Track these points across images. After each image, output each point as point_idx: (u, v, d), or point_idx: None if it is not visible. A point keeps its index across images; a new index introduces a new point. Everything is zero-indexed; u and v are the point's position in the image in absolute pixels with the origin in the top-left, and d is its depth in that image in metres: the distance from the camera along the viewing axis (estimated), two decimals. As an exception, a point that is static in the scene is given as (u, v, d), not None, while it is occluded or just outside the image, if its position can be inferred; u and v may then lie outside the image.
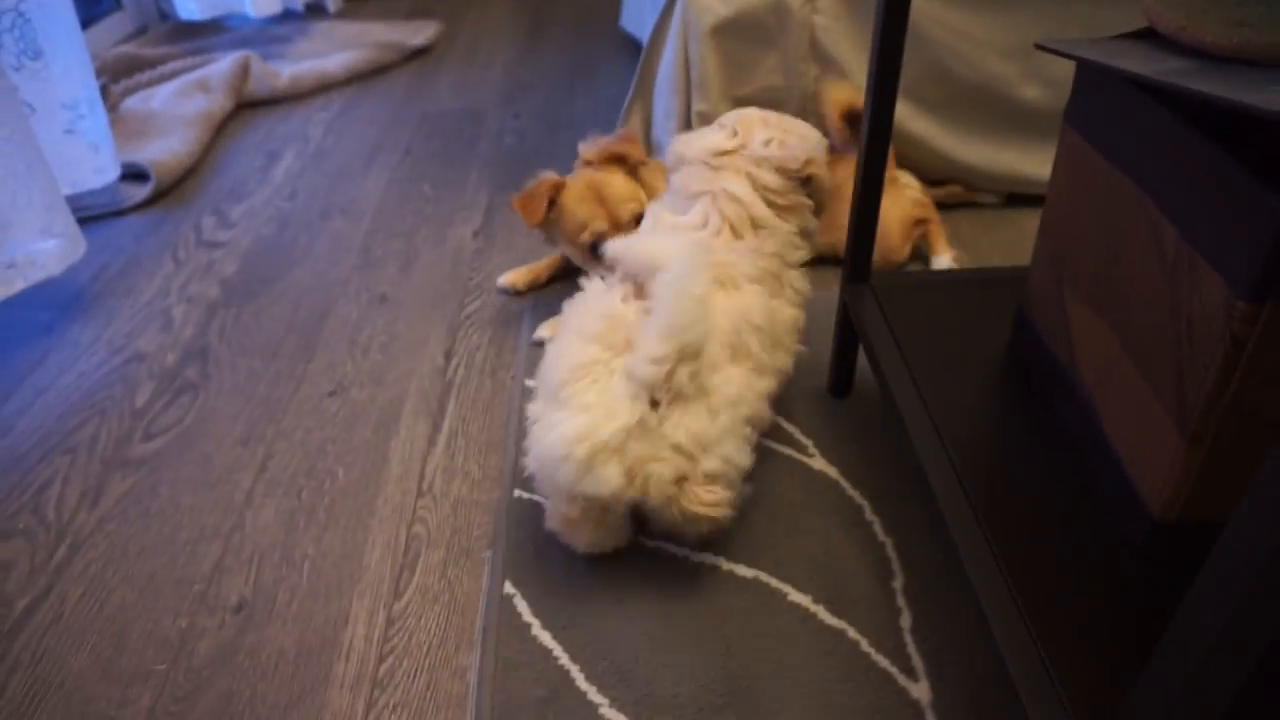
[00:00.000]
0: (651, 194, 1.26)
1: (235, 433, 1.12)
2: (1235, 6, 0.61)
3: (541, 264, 1.39)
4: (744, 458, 0.85)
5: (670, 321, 0.78)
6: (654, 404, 0.79)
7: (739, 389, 0.84)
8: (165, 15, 2.50)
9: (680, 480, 0.81)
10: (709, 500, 0.83)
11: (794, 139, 0.99)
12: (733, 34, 1.37)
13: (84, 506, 1.02)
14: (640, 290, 0.85)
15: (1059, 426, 0.81)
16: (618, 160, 1.26)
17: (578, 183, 1.24)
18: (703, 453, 0.81)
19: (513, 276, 1.37)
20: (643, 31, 1.91)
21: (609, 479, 0.78)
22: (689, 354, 0.79)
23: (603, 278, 0.92)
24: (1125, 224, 0.68)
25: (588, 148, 1.28)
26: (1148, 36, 0.70)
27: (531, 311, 1.30)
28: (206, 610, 0.89)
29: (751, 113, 1.02)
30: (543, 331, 1.24)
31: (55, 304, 1.37)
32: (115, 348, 1.28)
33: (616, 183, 1.24)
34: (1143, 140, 0.65)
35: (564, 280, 1.39)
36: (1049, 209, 0.83)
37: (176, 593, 0.91)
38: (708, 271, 0.86)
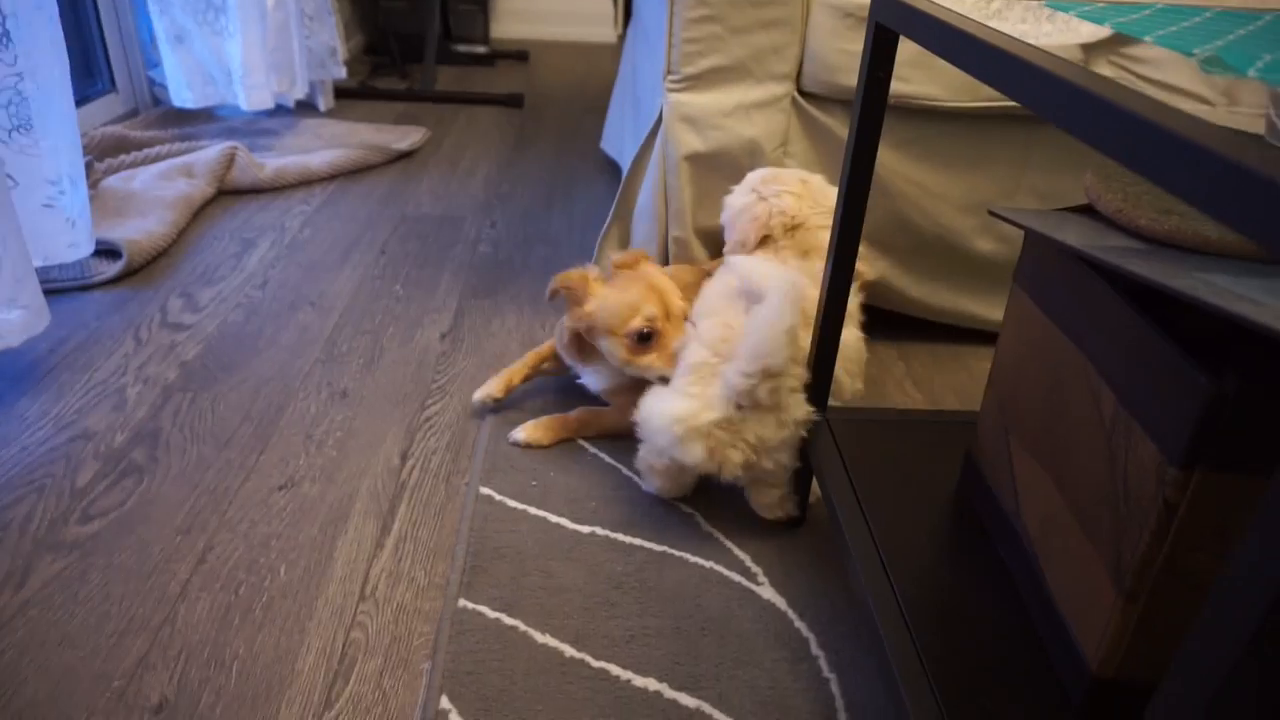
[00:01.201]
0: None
1: (177, 521, 1.09)
2: (1167, 195, 0.67)
3: (514, 368, 1.35)
4: (794, 462, 1.06)
5: (758, 348, 0.97)
6: (739, 406, 1.00)
7: (808, 414, 1.03)
8: (158, 100, 2.55)
9: (747, 465, 1.04)
10: (766, 502, 1.10)
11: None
12: (708, 168, 1.45)
13: (7, 589, 0.98)
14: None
15: (1004, 573, 0.83)
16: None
17: (619, 277, 1.20)
18: (766, 453, 1.03)
19: (486, 389, 1.31)
20: (621, 154, 1.99)
21: (695, 453, 1.02)
22: (771, 374, 0.97)
23: (659, 379, 1.14)
24: (1068, 382, 0.72)
25: (619, 256, 1.24)
26: (1090, 212, 0.76)
27: (493, 418, 1.31)
28: (124, 709, 0.85)
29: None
30: (519, 435, 1.24)
31: (6, 375, 1.35)
32: (63, 424, 1.25)
33: (662, 276, 1.21)
34: (1083, 308, 0.70)
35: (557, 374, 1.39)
36: (998, 361, 0.87)
37: (94, 689, 0.87)
38: (806, 307, 1.03)
